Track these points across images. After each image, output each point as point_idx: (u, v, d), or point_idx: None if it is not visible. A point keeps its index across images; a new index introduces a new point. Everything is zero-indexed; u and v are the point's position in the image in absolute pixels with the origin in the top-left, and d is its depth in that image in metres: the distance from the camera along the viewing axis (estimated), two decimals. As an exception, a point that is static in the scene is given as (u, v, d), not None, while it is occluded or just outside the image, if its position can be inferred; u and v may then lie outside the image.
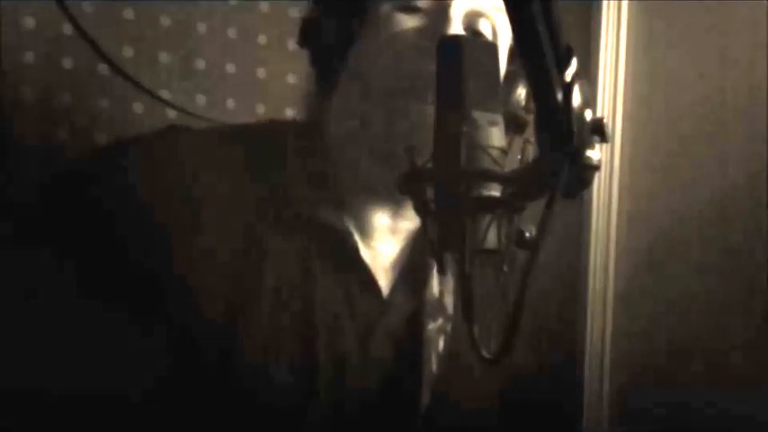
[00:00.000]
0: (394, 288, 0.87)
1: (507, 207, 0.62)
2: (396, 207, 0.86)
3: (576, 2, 1.52)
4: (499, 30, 0.83)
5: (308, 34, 0.85)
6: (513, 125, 0.77)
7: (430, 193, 0.64)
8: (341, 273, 0.84)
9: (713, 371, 1.34)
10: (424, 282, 0.88)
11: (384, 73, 0.80)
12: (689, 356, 1.38)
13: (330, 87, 0.86)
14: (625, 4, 1.53)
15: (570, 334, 1.53)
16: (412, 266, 0.88)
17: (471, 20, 0.82)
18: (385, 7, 0.81)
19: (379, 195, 0.85)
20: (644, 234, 1.49)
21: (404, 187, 0.65)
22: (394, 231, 0.87)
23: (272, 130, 0.89)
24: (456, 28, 0.80)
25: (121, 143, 0.86)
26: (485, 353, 0.62)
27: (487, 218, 0.62)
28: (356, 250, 0.84)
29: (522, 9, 0.57)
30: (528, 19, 0.57)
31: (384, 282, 0.87)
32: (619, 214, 1.53)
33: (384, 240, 0.87)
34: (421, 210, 0.64)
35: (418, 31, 0.80)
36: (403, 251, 0.88)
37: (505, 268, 0.62)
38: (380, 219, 0.86)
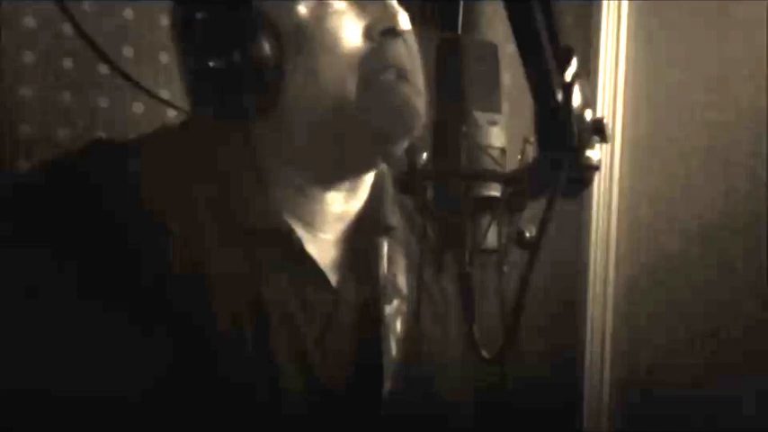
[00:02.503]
0: (343, 277, 0.86)
1: (507, 207, 0.62)
2: (350, 192, 0.86)
3: (575, 1, 1.52)
4: None
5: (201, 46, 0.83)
6: None
7: (430, 193, 0.64)
8: (289, 272, 0.83)
9: (713, 370, 1.34)
10: (373, 265, 0.87)
11: (349, 68, 0.81)
12: (689, 356, 1.38)
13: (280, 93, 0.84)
14: (625, 4, 1.53)
15: (570, 333, 1.53)
16: (359, 251, 0.88)
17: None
18: (304, 17, 0.81)
19: (337, 185, 0.85)
20: (644, 234, 1.49)
21: (404, 187, 0.65)
22: (338, 218, 0.87)
23: (194, 138, 0.88)
24: (401, 12, 0.81)
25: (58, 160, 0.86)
26: (484, 353, 0.62)
27: (487, 218, 0.62)
28: (300, 246, 0.84)
29: (522, 9, 0.57)
30: (528, 19, 0.57)
31: (334, 272, 0.86)
32: (619, 215, 1.53)
33: (329, 229, 0.86)
34: (421, 210, 0.64)
35: (367, 23, 0.81)
36: (352, 235, 0.88)
37: (505, 268, 0.62)
38: (331, 206, 0.86)
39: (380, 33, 0.81)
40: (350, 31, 0.81)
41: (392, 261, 0.88)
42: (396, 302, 0.86)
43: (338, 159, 0.84)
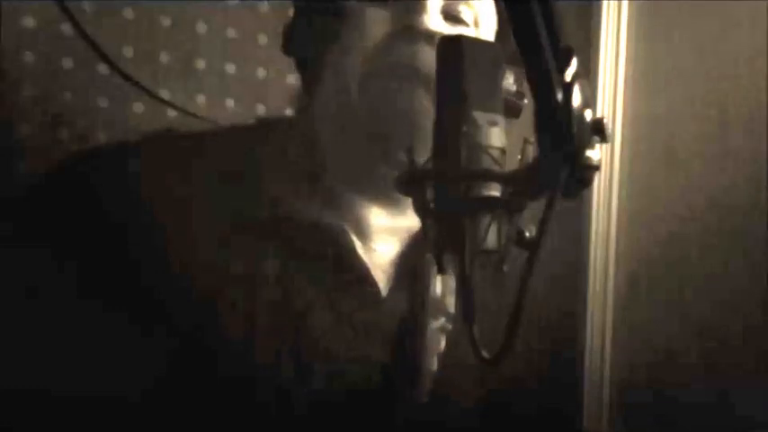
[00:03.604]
0: (393, 287, 0.86)
1: (507, 207, 0.62)
2: (393, 206, 0.86)
3: (576, 2, 1.52)
4: (482, 16, 0.84)
5: (290, 40, 0.85)
6: (507, 111, 0.78)
7: (430, 193, 0.64)
8: (335, 272, 0.83)
9: (713, 371, 1.34)
10: (424, 281, 0.88)
11: (365, 66, 0.81)
12: (689, 356, 1.38)
13: (316, 88, 0.85)
14: (625, 4, 1.53)
15: (570, 334, 1.53)
16: (412, 266, 0.88)
17: (451, 7, 0.82)
18: (355, 2, 0.81)
19: (376, 195, 0.85)
20: (644, 234, 1.49)
21: (404, 187, 0.65)
22: (393, 232, 0.87)
23: (260, 131, 0.89)
24: (433, 14, 0.81)
25: (108, 147, 0.86)
26: (484, 353, 0.62)
27: (487, 218, 0.62)
28: (351, 248, 0.84)
29: (522, 9, 0.57)
30: (527, 19, 0.57)
31: (383, 281, 0.86)
32: (619, 214, 1.53)
33: (383, 240, 0.87)
34: (421, 210, 0.64)
35: (394, 21, 0.81)
36: (403, 251, 0.88)
37: (505, 268, 0.62)
38: (378, 218, 0.86)
39: (401, 33, 0.81)
40: (378, 30, 0.81)
41: (443, 280, 0.88)
42: (442, 320, 0.86)
43: (340, 160, 0.84)
